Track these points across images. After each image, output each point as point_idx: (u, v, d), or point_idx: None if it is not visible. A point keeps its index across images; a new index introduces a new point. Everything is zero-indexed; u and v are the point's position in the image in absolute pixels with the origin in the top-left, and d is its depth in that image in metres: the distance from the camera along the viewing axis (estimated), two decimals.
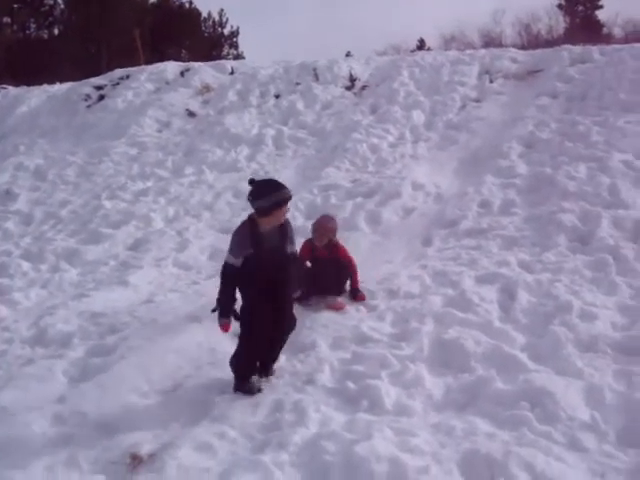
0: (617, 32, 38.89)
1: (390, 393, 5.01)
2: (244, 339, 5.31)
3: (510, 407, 4.72)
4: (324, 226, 7.25)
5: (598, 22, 42.45)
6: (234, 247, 5.13)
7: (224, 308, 5.18)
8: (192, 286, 7.93)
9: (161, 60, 18.99)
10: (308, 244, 7.28)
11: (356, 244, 8.13)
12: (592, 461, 4.20)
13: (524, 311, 6.21)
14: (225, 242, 9.19)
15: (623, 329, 5.85)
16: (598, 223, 7.93)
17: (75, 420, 5.04)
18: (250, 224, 5.13)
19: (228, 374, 5.51)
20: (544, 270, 7.00)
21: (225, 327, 5.21)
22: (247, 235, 5.09)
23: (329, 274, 6.98)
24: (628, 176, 9.09)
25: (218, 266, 8.54)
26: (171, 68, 16.98)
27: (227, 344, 5.92)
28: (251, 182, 5.08)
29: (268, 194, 5.02)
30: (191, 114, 14.63)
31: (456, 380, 5.19)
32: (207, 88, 15.57)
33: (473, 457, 4.17)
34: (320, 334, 6.09)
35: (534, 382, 4.92)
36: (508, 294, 6.54)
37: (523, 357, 5.40)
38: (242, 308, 5.30)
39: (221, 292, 5.23)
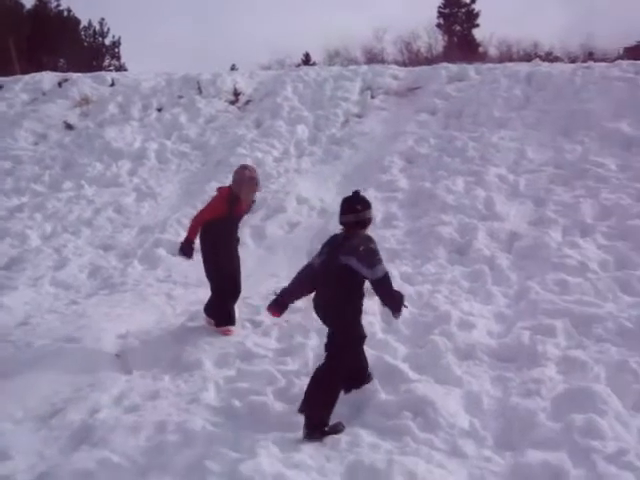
0: (492, 51, 40.78)
1: (276, 409, 5.00)
2: (348, 361, 4.96)
3: (393, 417, 4.83)
4: (257, 176, 6.84)
5: (474, 41, 44.29)
6: (380, 256, 4.80)
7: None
8: (71, 306, 7.64)
9: (38, 70, 18.23)
10: (227, 196, 6.66)
11: (241, 260, 8.07)
12: (472, 466, 4.36)
13: (405, 322, 6.35)
14: (105, 259, 9.06)
15: (499, 337, 6.12)
16: (475, 235, 8.26)
17: None
18: None
19: (109, 395, 5.35)
20: (424, 282, 7.21)
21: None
22: None
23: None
24: (502, 189, 9.53)
25: (98, 284, 8.38)
26: (48, 78, 16.36)
27: (107, 366, 5.74)
28: (358, 192, 4.96)
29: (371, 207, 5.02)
30: (69, 127, 14.13)
31: (340, 393, 5.23)
32: (86, 100, 15.10)
33: (357, 468, 4.23)
34: (205, 352, 6.01)
35: (415, 392, 5.04)
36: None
37: (405, 367, 5.53)
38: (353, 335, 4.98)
39: (400, 296, 4.84)
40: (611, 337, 5.89)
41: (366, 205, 4.90)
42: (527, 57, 26.96)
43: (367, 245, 4.72)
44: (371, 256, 4.68)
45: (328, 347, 4.91)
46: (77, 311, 7.36)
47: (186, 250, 6.65)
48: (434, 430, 4.68)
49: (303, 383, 5.27)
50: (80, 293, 8.16)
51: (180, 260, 7.41)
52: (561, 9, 64.48)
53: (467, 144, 11.05)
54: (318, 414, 4.67)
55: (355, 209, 4.84)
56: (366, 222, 4.90)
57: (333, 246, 4.89)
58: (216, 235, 6.59)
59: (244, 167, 6.93)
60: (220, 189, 6.84)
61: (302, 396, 4.92)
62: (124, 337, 6.45)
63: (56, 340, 6.45)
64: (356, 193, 4.93)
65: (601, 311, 6.29)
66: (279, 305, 5.09)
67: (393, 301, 4.79)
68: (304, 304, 6.89)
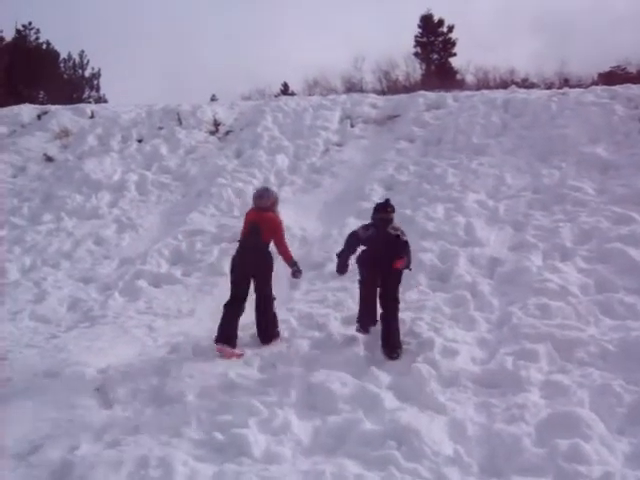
0: (469, 78, 41.11)
1: (259, 441, 4.93)
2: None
3: (378, 447, 4.78)
4: None
5: (452, 69, 44.70)
6: None
7: None
8: (51, 340, 7.54)
9: (17, 102, 18.21)
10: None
11: (222, 290, 8.03)
12: None
13: None
14: (85, 292, 8.96)
15: (482, 363, 6.11)
16: (456, 261, 8.28)
17: None
18: None
19: (89, 431, 5.26)
20: (407, 309, 7.19)
21: None
22: None
23: None
24: (482, 215, 9.58)
25: (78, 317, 8.29)
26: (27, 111, 16.35)
27: (87, 400, 5.66)
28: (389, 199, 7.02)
29: None
30: (49, 159, 14.09)
31: (324, 423, 5.18)
32: (66, 132, 15.08)
33: None
34: (187, 384, 5.92)
35: (400, 420, 5.00)
36: (373, 334, 6.64)
37: (389, 396, 5.50)
38: None
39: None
40: (594, 361, 5.90)
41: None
42: (504, 84, 27.19)
43: (401, 228, 6.80)
44: (404, 232, 6.75)
45: (388, 292, 6.61)
46: (57, 345, 7.26)
47: (297, 273, 7.16)
48: (419, 459, 4.63)
49: (286, 414, 5.23)
50: (60, 327, 8.06)
51: (160, 292, 7.31)
52: (535, 34, 65.35)
53: (446, 171, 11.13)
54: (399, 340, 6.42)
55: (394, 209, 6.83)
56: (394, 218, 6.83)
57: (381, 226, 6.67)
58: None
59: (267, 189, 7.28)
60: (265, 215, 6.92)
61: (285, 427, 5.03)
62: (104, 371, 6.35)
63: (35, 375, 6.36)
64: (388, 199, 6.98)
65: (583, 335, 6.30)
66: (342, 265, 6.78)
67: (409, 259, 6.66)
68: (287, 334, 6.92)
